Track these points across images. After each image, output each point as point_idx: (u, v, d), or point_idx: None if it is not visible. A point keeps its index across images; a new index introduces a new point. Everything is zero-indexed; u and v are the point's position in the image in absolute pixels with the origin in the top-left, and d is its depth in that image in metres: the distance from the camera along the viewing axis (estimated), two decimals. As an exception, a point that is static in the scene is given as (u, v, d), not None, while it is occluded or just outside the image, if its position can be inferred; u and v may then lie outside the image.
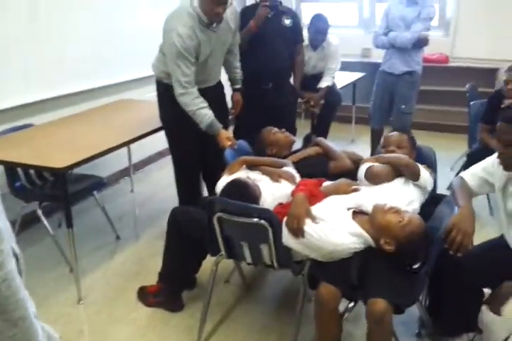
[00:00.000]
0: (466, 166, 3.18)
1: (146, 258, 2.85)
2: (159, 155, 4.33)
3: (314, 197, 1.96)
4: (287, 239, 1.85)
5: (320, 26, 3.79)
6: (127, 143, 2.80)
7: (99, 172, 3.12)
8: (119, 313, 2.40)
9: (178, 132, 2.76)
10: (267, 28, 3.12)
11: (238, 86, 2.99)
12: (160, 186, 3.84)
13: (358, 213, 1.91)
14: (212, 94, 2.73)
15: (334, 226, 1.81)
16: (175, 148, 2.87)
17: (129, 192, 3.83)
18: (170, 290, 2.38)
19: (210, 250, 2.11)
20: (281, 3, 3.28)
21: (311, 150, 2.53)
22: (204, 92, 2.59)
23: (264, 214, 1.85)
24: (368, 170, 2.13)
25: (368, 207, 1.89)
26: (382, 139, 2.48)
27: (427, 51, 4.63)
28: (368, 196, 1.98)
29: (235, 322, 2.33)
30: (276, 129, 2.64)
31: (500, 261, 1.83)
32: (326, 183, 2.14)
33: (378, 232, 1.78)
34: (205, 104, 2.53)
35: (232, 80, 3.00)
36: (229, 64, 2.91)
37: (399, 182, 2.10)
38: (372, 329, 1.70)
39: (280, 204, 2.06)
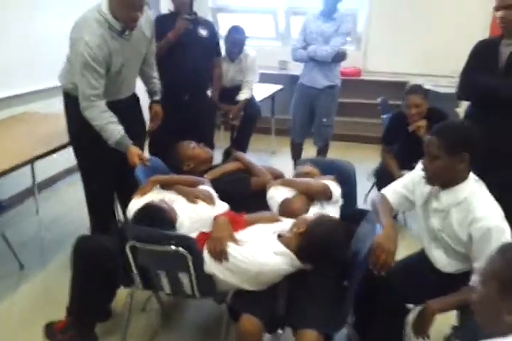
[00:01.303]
0: (377, 183, 3.29)
1: (54, 289, 2.58)
2: (67, 172, 4.01)
3: (237, 224, 1.88)
4: (210, 265, 1.74)
5: (237, 38, 3.77)
6: (31, 161, 2.58)
7: (-3, 193, 2.81)
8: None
9: (88, 149, 2.53)
10: (183, 38, 3.01)
11: (157, 97, 2.81)
12: (69, 206, 3.54)
13: (281, 237, 1.85)
14: (126, 107, 2.55)
15: (259, 246, 1.74)
16: (84, 167, 2.64)
17: (34, 214, 3.50)
18: (80, 325, 2.16)
19: (123, 281, 1.93)
20: (195, 13, 3.18)
21: (231, 166, 2.43)
22: (116, 105, 2.41)
23: (181, 241, 1.73)
24: (284, 207, 2.10)
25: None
26: (296, 170, 2.44)
27: (342, 64, 4.78)
28: (290, 222, 1.93)
29: (155, 355, 2.16)
30: (194, 144, 2.53)
31: (421, 275, 1.85)
32: (247, 216, 2.05)
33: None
34: (115, 119, 2.34)
35: (150, 92, 2.82)
36: (146, 74, 2.74)
37: (316, 208, 2.11)
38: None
39: (203, 232, 1.94)
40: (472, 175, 1.77)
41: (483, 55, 2.51)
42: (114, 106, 2.37)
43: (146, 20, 2.45)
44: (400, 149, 3.23)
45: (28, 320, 2.36)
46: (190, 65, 3.07)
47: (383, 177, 3.21)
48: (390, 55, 5.11)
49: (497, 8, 2.35)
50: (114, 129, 2.31)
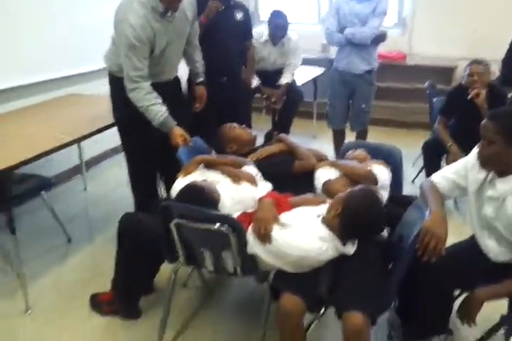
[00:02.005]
0: (424, 158, 3.23)
1: (100, 262, 2.69)
2: (113, 151, 4.12)
3: (281, 207, 1.88)
4: (252, 246, 1.76)
5: (279, 22, 3.72)
6: (78, 141, 2.65)
7: (48, 170, 2.92)
8: (71, 324, 2.24)
9: (132, 130, 2.59)
10: (219, 21, 2.99)
11: (201, 79, 2.83)
12: (115, 184, 3.65)
13: (325, 219, 1.83)
14: (169, 89, 2.57)
15: (303, 232, 1.74)
16: (129, 147, 2.70)
17: (82, 191, 3.62)
18: (125, 298, 2.25)
19: (168, 257, 1.98)
20: None
21: (275, 148, 2.41)
22: (160, 87, 2.42)
23: (225, 220, 1.75)
24: (325, 187, 2.09)
25: None
26: (347, 154, 2.39)
27: (385, 48, 4.66)
28: None
29: (196, 330, 2.22)
30: (236, 125, 2.53)
31: (470, 263, 1.81)
32: (292, 198, 2.04)
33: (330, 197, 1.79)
34: (159, 100, 2.37)
35: (193, 73, 2.85)
36: (189, 56, 2.76)
37: None
38: (350, 342, 1.63)
39: (245, 213, 1.95)
40: None
41: None
42: (158, 87, 2.40)
43: (188, 1, 2.46)
44: (457, 123, 3.16)
45: (75, 291, 2.46)
46: (226, 48, 3.07)
47: (432, 152, 3.20)
48: (437, 39, 4.93)
49: None
50: (158, 110, 2.35)
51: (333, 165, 2.22)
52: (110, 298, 2.27)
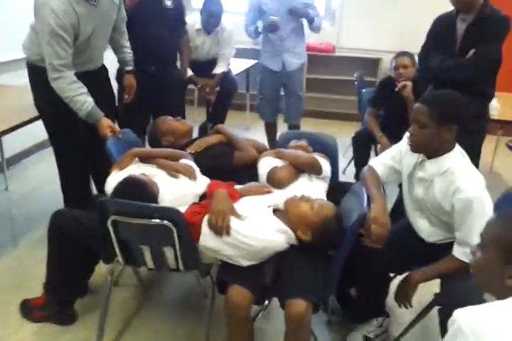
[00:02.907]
0: (354, 149, 3.32)
1: (28, 266, 2.51)
2: (38, 146, 3.86)
3: (232, 197, 1.84)
4: (207, 239, 1.71)
5: (213, 10, 3.64)
6: (-1, 135, 2.44)
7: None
8: (0, 334, 2.07)
9: (58, 121, 2.43)
10: (147, 8, 2.89)
11: (130, 67, 2.72)
12: (39, 182, 3.42)
13: (276, 211, 1.84)
14: (95, 79, 2.45)
15: (260, 223, 1.73)
16: (56, 139, 2.54)
17: (3, 190, 3.36)
18: (59, 301, 2.11)
19: (104, 257, 1.88)
20: None
21: (213, 139, 2.35)
22: (85, 76, 2.31)
23: (167, 213, 1.68)
24: (270, 176, 2.07)
25: (282, 205, 1.85)
26: (290, 143, 2.36)
27: (314, 40, 4.73)
28: (282, 195, 1.93)
29: (136, 330, 2.13)
30: (170, 118, 2.46)
31: (405, 245, 1.87)
32: (237, 186, 2.02)
33: (294, 223, 1.76)
34: (84, 90, 2.25)
35: (122, 61, 2.73)
36: (116, 43, 2.63)
37: (303, 180, 2.09)
38: (293, 329, 1.64)
39: (195, 203, 1.89)
40: (458, 147, 1.78)
41: (440, 32, 2.51)
42: (83, 77, 2.28)
43: None
44: (385, 113, 3.28)
45: (3, 298, 2.27)
46: (155, 36, 2.96)
47: (362, 142, 3.29)
48: (365, 32, 5.08)
49: None
50: (84, 101, 2.24)
51: (277, 154, 2.21)
52: (42, 302, 2.12)
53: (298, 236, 1.75)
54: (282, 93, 3.86)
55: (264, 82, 3.76)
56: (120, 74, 2.95)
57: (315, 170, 2.10)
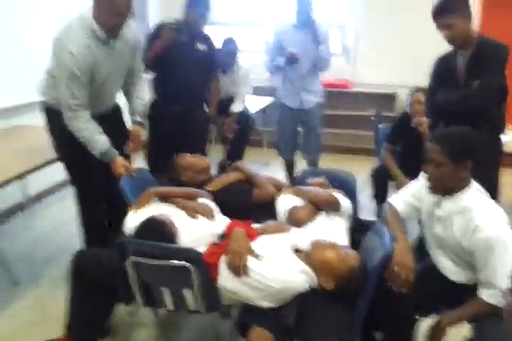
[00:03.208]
0: (373, 185, 3.29)
1: (49, 304, 2.49)
2: (58, 186, 3.92)
3: (250, 236, 1.82)
4: (226, 280, 1.68)
5: (231, 49, 3.75)
6: (21, 176, 2.48)
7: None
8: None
9: (75, 163, 2.48)
10: (179, 50, 2.99)
11: (137, 118, 2.61)
12: (59, 222, 3.43)
13: (297, 251, 1.81)
14: (109, 121, 2.47)
15: (280, 263, 1.70)
16: (75, 179, 2.58)
17: (24, 230, 3.38)
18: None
19: (124, 298, 1.85)
20: (201, 31, 3.15)
21: (232, 177, 2.37)
22: (98, 119, 2.34)
23: (186, 254, 1.67)
24: (291, 215, 2.07)
25: (303, 245, 1.82)
26: (308, 180, 2.36)
27: (331, 76, 4.80)
28: (301, 234, 1.91)
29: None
30: (189, 154, 2.49)
31: (430, 285, 1.82)
32: (255, 225, 2.01)
33: (317, 269, 1.71)
34: (99, 130, 2.30)
35: (130, 109, 2.65)
36: (129, 92, 2.62)
37: (322, 217, 2.07)
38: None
39: (214, 244, 1.88)
40: (475, 184, 1.76)
41: (441, 71, 2.54)
42: (96, 120, 2.32)
43: (131, 31, 2.41)
44: (402, 149, 3.26)
45: (24, 337, 2.26)
46: (185, 78, 3.04)
47: (380, 178, 3.25)
48: (379, 67, 5.14)
49: (437, 28, 2.39)
50: (98, 139, 2.28)
51: (296, 192, 2.21)
52: None
53: (320, 283, 1.71)
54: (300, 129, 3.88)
55: (282, 119, 3.80)
56: (152, 107, 3.08)
57: (333, 207, 2.09)
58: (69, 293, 2.01)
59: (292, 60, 3.47)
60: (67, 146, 2.40)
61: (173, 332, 2.35)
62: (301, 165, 3.94)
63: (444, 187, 1.74)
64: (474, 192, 1.73)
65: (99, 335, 2.12)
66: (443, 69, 2.53)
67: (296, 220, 2.03)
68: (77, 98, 2.22)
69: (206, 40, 3.19)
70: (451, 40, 2.39)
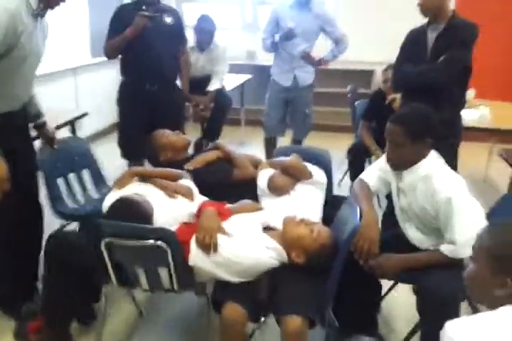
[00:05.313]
0: (349, 162, 3.33)
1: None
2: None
3: (222, 215, 1.84)
4: (195, 258, 1.70)
5: (206, 27, 3.70)
6: None
7: None
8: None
9: None
10: (148, 26, 2.90)
11: (43, 119, 2.26)
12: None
13: (267, 229, 1.84)
14: (17, 123, 2.02)
15: (249, 241, 1.72)
16: None
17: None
18: (55, 325, 2.07)
19: (99, 280, 1.86)
20: (159, 1, 3.07)
21: (212, 155, 2.37)
22: (6, 118, 1.90)
23: (160, 234, 1.67)
24: (270, 183, 2.10)
25: (275, 223, 1.85)
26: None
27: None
28: (273, 212, 1.93)
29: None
30: (168, 131, 2.46)
31: (397, 251, 1.86)
32: (229, 205, 2.02)
33: (289, 245, 1.74)
34: None
35: (34, 114, 2.23)
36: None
37: (298, 188, 2.10)
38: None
39: (185, 223, 1.89)
40: (433, 152, 1.80)
41: (411, 44, 2.56)
42: (3, 118, 1.89)
43: (46, 26, 2.06)
44: (378, 126, 3.28)
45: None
46: (156, 54, 2.96)
47: (357, 155, 3.30)
48: (357, 44, 5.10)
49: None
50: None
51: (270, 164, 2.26)
52: (38, 325, 2.09)
53: (291, 257, 1.74)
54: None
55: (272, 96, 3.79)
56: (120, 90, 3.06)
57: (303, 174, 2.13)
58: (44, 277, 2.00)
59: (289, 35, 3.45)
60: None
61: (148, 311, 2.37)
62: (281, 144, 3.94)
63: (405, 164, 1.79)
64: (433, 161, 1.79)
65: (72, 315, 2.10)
66: (412, 43, 2.55)
67: (276, 187, 2.07)
68: None
69: (172, 12, 3.11)
70: (423, 7, 2.40)
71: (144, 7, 2.89)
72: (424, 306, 1.70)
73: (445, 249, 1.72)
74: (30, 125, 2.21)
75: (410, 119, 1.75)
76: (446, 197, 1.68)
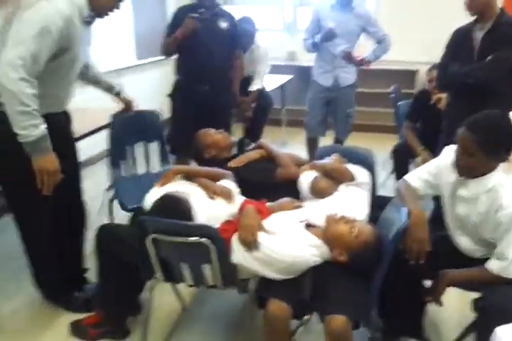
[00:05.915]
0: (394, 163, 3.27)
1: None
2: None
3: (262, 213, 1.85)
4: (238, 255, 1.72)
5: (248, 29, 3.74)
6: None
7: None
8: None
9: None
10: (203, 29, 3.00)
11: (118, 88, 2.48)
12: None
13: (309, 226, 1.84)
14: (57, 125, 2.00)
15: (291, 238, 1.73)
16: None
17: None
18: (114, 316, 2.13)
19: (144, 274, 1.90)
20: (218, 5, 3.16)
21: (256, 154, 2.39)
22: (49, 119, 1.87)
23: (204, 231, 1.69)
24: (313, 186, 2.10)
25: (317, 220, 1.84)
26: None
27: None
28: (315, 209, 1.93)
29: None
30: (213, 130, 2.50)
31: (445, 257, 1.84)
32: (268, 203, 2.03)
33: (331, 243, 1.73)
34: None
35: (106, 86, 2.45)
36: (86, 74, 2.32)
37: (342, 189, 2.09)
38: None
39: (227, 221, 1.91)
40: (502, 165, 1.73)
41: (457, 43, 2.50)
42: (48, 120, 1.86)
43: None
44: (422, 126, 3.25)
45: (49, 316, 2.30)
46: (208, 56, 3.06)
47: (401, 156, 3.25)
48: (399, 44, 5.01)
49: None
50: (40, 121, 1.78)
51: (311, 166, 2.25)
52: (97, 319, 2.15)
53: (333, 255, 1.73)
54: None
55: (313, 97, 3.80)
56: (175, 87, 3.16)
57: (346, 176, 2.11)
58: (98, 270, 2.06)
59: (329, 36, 3.44)
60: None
61: (193, 306, 2.41)
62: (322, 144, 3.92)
63: (473, 174, 1.72)
64: (501, 174, 1.72)
65: (131, 309, 2.15)
66: (458, 42, 2.50)
67: (318, 191, 2.07)
68: (37, 62, 1.74)
69: (228, 16, 3.17)
70: (469, 5, 2.34)
71: (200, 10, 2.99)
72: (485, 319, 1.61)
73: (494, 265, 1.66)
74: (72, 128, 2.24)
75: (485, 129, 1.62)
76: (509, 213, 1.62)
